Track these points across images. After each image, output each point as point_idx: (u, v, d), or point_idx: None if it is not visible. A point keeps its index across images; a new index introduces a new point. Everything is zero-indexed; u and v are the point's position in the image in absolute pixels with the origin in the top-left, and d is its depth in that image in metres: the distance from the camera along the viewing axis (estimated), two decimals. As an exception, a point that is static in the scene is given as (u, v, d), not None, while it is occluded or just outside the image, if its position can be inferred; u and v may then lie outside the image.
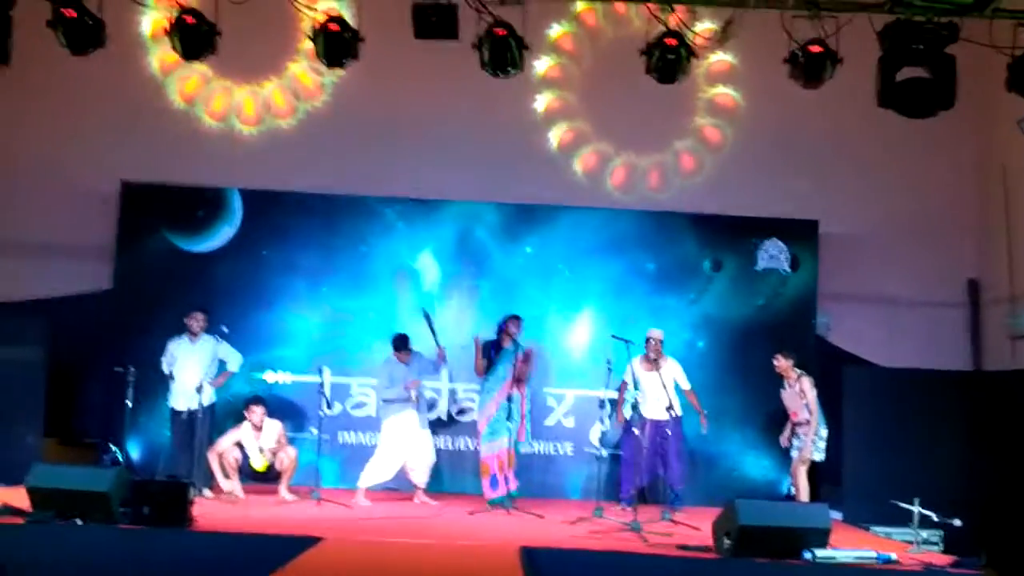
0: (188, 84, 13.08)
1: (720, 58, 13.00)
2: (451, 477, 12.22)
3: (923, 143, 12.40)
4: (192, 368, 10.86)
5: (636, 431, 10.71)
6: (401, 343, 11.09)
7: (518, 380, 10.84)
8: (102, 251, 12.50)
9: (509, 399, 10.65)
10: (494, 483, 10.77)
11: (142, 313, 12.08)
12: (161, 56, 12.85)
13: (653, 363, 10.89)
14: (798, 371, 10.79)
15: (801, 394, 10.64)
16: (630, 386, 10.91)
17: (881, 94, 9.17)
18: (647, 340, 10.97)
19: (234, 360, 11.22)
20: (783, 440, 10.95)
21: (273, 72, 13.12)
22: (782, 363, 10.87)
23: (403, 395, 10.82)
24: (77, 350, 12.16)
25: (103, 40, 9.32)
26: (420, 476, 10.97)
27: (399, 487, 11.41)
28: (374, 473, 10.82)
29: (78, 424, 12.32)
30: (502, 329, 11.03)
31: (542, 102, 13.21)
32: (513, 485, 10.80)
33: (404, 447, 10.83)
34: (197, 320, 11.09)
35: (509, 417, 10.63)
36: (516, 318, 11.10)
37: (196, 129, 13.04)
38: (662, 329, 11.22)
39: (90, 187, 12.61)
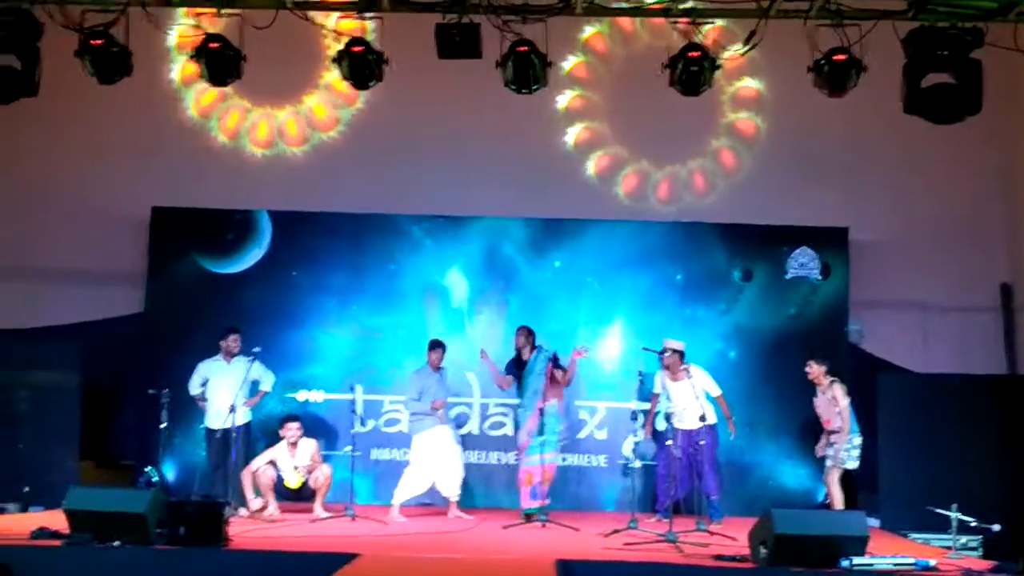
0: (231, 120, 13.26)
1: (748, 82, 13.06)
2: (484, 492, 12.23)
3: (950, 148, 12.36)
4: (226, 388, 10.90)
5: (669, 442, 10.69)
6: (436, 344, 11.11)
7: (553, 388, 10.83)
8: (134, 276, 12.62)
9: (542, 412, 10.61)
10: (534, 494, 10.73)
11: (174, 335, 12.20)
12: (199, 99, 13.05)
13: (674, 372, 10.85)
14: (830, 378, 10.74)
15: (833, 401, 10.59)
16: (662, 397, 10.90)
17: (907, 101, 9.15)
18: (662, 351, 10.93)
19: (268, 380, 11.28)
20: (819, 450, 10.89)
21: (307, 90, 13.22)
22: (814, 370, 10.82)
23: (428, 411, 10.85)
24: (111, 373, 12.30)
25: (130, 68, 9.43)
26: (452, 490, 10.97)
27: (433, 502, 11.44)
28: (407, 488, 10.85)
29: (114, 446, 12.44)
30: (516, 345, 11.12)
31: (566, 106, 13.26)
32: (539, 502, 10.72)
33: (435, 462, 10.84)
34: (233, 341, 11.15)
35: (541, 432, 10.62)
36: (520, 329, 11.18)
37: (225, 153, 13.16)
38: (685, 341, 11.15)
39: (120, 213, 12.75)
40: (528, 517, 10.53)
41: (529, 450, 10.83)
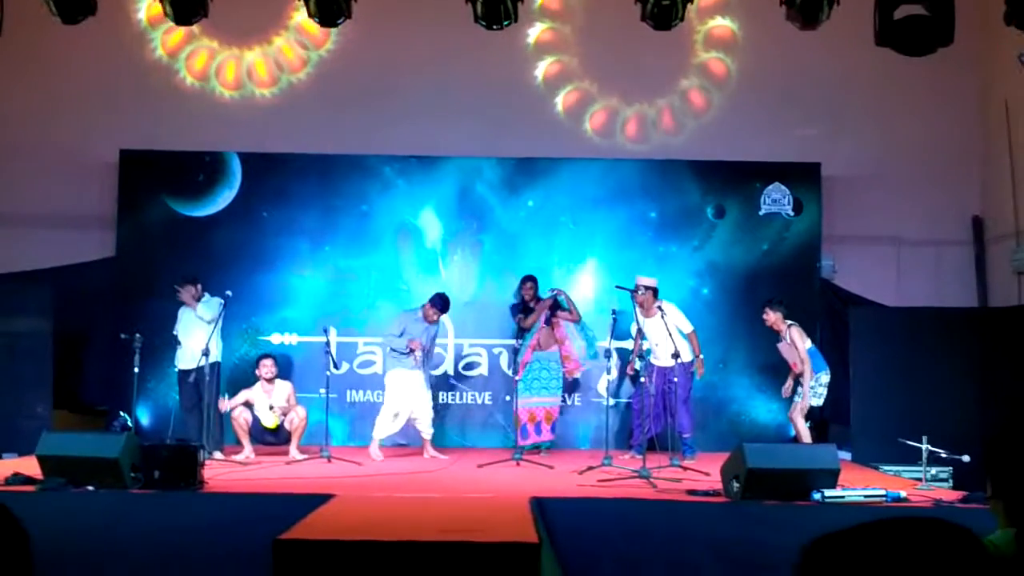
0: (199, 61, 13.02)
1: (720, 21, 12.98)
2: (458, 432, 12.28)
3: (924, 82, 12.33)
4: (196, 330, 10.84)
5: (644, 379, 10.74)
6: (443, 304, 11.04)
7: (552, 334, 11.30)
8: (104, 220, 12.52)
9: (535, 357, 11.19)
10: (524, 432, 11.13)
11: (145, 279, 12.12)
12: (167, 38, 12.85)
13: (647, 310, 10.87)
14: (788, 322, 10.78)
15: (793, 345, 10.67)
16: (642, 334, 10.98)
17: (879, 33, 9.09)
18: (635, 288, 10.94)
19: (210, 315, 10.85)
20: (785, 391, 11.00)
21: (276, 29, 13.05)
22: (771, 316, 10.87)
23: (403, 349, 10.84)
24: (82, 318, 12.24)
25: (94, 7, 9.22)
26: (426, 428, 11.01)
27: (408, 442, 11.50)
28: (384, 426, 10.92)
29: (86, 392, 12.39)
30: (523, 297, 11.51)
31: (536, 39, 13.12)
32: (546, 437, 11.24)
33: (408, 399, 10.88)
34: (187, 292, 10.99)
35: (536, 375, 11.24)
36: (527, 280, 11.48)
37: (193, 94, 13.00)
38: (658, 278, 11.23)
39: (89, 156, 12.60)
40: (522, 452, 10.65)
41: (519, 391, 11.05)
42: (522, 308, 11.50)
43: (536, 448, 11.13)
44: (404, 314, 11.20)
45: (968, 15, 9.32)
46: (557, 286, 11.74)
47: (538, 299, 11.48)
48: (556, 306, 11.42)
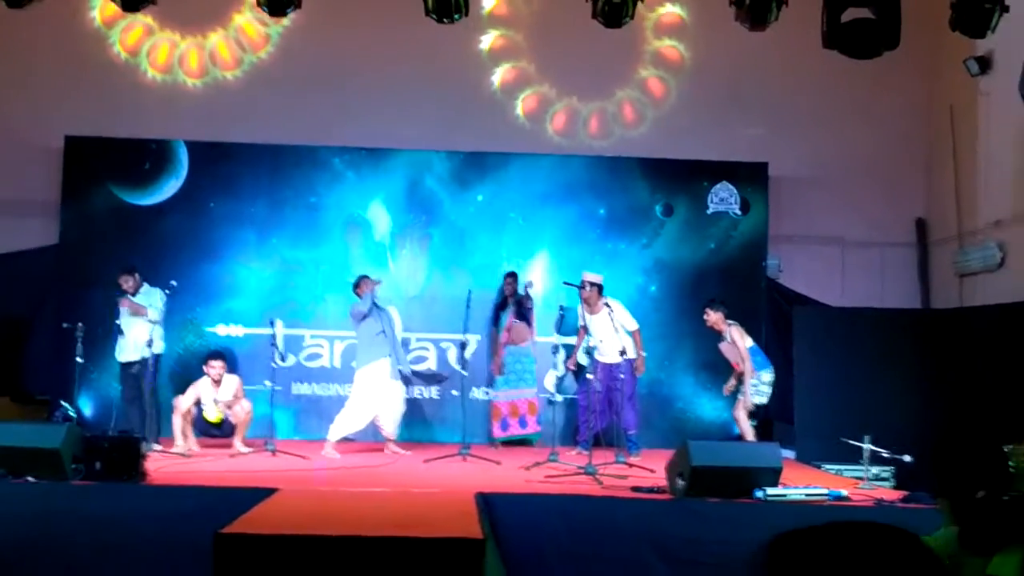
0: (132, 36, 12.87)
1: (669, 8, 13.03)
2: (406, 426, 12.21)
3: (871, 85, 12.47)
4: (137, 322, 10.73)
5: (591, 375, 10.78)
6: (363, 278, 11.05)
7: (525, 328, 11.66)
8: (47, 207, 12.33)
9: (522, 353, 11.62)
10: (504, 425, 11.54)
11: (89, 268, 11.96)
12: (103, 8, 12.64)
13: (592, 306, 10.89)
14: (729, 322, 10.86)
15: (734, 344, 10.76)
16: (587, 331, 11.01)
17: (827, 35, 9.16)
18: (581, 284, 10.96)
19: (155, 312, 10.80)
20: (727, 389, 11.09)
21: (218, 23, 12.95)
22: (712, 317, 10.94)
23: (374, 336, 10.73)
24: (24, 307, 12.10)
25: (41, -8, 9.10)
26: (390, 427, 10.93)
27: (354, 436, 11.46)
28: (345, 424, 10.74)
29: (28, 381, 12.21)
30: (505, 292, 11.83)
31: (489, 47, 13.12)
32: (532, 429, 11.61)
33: (376, 399, 10.76)
34: (126, 282, 10.88)
35: (511, 369, 11.64)
36: (508, 276, 11.84)
37: (140, 82, 12.87)
38: (606, 275, 11.27)
39: (33, 142, 12.42)
40: (499, 445, 10.83)
41: (495, 385, 11.56)
42: (501, 303, 11.80)
43: (526, 441, 11.48)
44: (356, 305, 10.99)
45: (915, 19, 9.41)
46: (503, 279, 11.88)
47: (516, 294, 11.71)
48: (520, 310, 11.58)
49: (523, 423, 11.63)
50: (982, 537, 2.55)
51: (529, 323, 11.76)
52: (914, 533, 1.68)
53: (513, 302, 11.71)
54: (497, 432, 11.61)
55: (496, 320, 11.88)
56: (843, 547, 1.61)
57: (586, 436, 10.73)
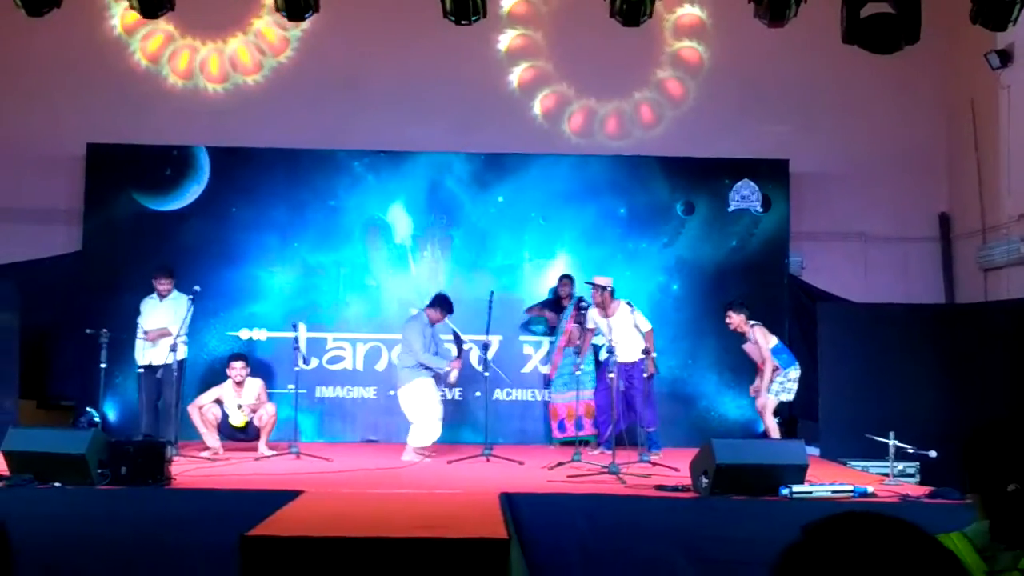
0: (153, 44, 12.94)
1: (688, 9, 13.03)
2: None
3: (892, 80, 12.42)
4: (157, 326, 10.78)
5: (612, 375, 10.76)
6: (448, 306, 10.87)
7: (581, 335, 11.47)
8: (70, 214, 12.42)
9: (577, 355, 11.51)
10: (561, 427, 11.65)
11: (112, 274, 12.04)
12: (124, 16, 12.72)
13: (606, 308, 10.85)
14: (751, 322, 10.79)
15: (757, 344, 10.71)
16: (597, 332, 11.00)
17: (846, 31, 9.14)
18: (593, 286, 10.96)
19: (181, 327, 10.76)
20: (753, 390, 10.98)
21: (238, 28, 13.00)
22: (735, 319, 10.84)
23: (438, 365, 10.65)
24: (49, 314, 12.15)
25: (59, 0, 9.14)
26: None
27: (379, 438, 11.51)
28: (425, 434, 10.64)
29: (53, 387, 12.30)
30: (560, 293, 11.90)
31: (507, 47, 13.13)
32: (588, 431, 11.52)
33: (438, 403, 10.71)
34: (162, 284, 10.97)
35: (569, 370, 11.55)
36: (564, 279, 11.88)
37: (161, 88, 12.94)
38: (628, 274, 11.37)
39: (56, 151, 12.50)
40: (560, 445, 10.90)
41: (554, 387, 11.68)
42: (555, 305, 11.88)
43: (583, 442, 11.32)
44: (413, 324, 10.80)
45: (934, 13, 9.36)
46: (525, 280, 11.88)
47: (571, 297, 11.70)
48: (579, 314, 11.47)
49: (579, 425, 11.59)
50: (1014, 530, 2.55)
51: (584, 326, 11.58)
52: (915, 526, 1.66)
53: (571, 305, 11.57)
54: (556, 434, 11.72)
55: (546, 322, 12.08)
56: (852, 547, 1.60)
57: (608, 436, 10.70)
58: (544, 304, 12.19)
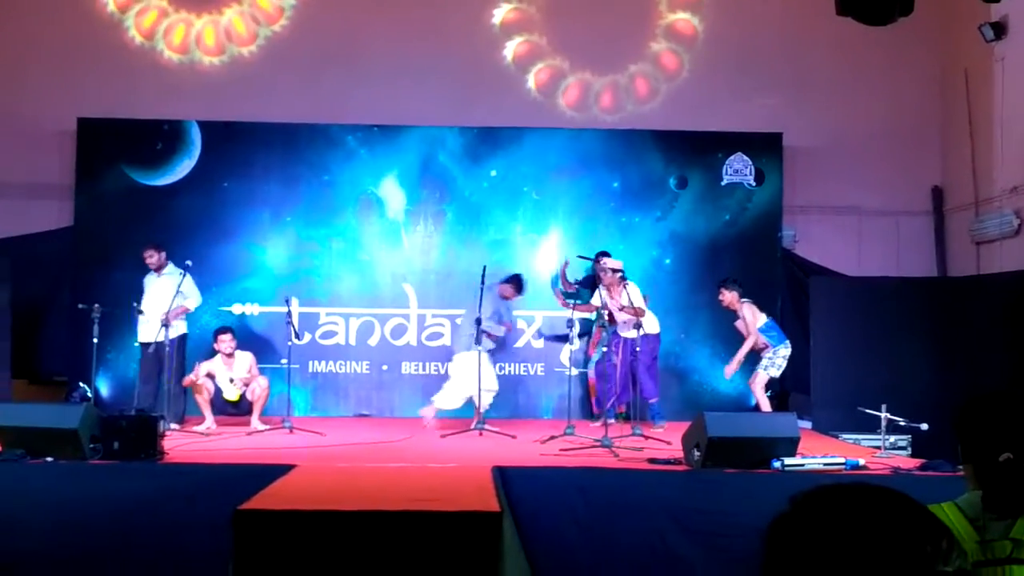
0: (147, 20, 12.86)
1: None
2: (422, 402, 12.22)
3: (885, 52, 12.38)
4: (157, 301, 10.76)
5: (612, 348, 10.78)
6: (520, 287, 11.05)
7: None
8: (61, 189, 12.37)
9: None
10: (599, 402, 11.40)
11: (103, 249, 12.02)
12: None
13: (613, 290, 10.82)
14: (744, 300, 10.78)
15: (745, 321, 10.72)
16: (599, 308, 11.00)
17: (840, 2, 9.07)
18: (603, 269, 10.93)
19: (192, 298, 10.92)
20: (727, 372, 10.98)
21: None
22: (727, 296, 10.84)
23: (499, 334, 10.81)
24: (40, 289, 12.14)
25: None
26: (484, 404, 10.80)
27: (372, 413, 11.52)
28: (448, 398, 10.79)
29: (45, 363, 12.27)
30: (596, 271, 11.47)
31: (501, 20, 13.07)
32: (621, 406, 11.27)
33: (473, 380, 10.59)
34: (150, 257, 10.94)
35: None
36: (600, 254, 11.44)
37: (153, 63, 12.85)
38: (621, 247, 11.30)
39: (47, 125, 12.44)
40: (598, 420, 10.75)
41: (589, 364, 11.67)
42: (592, 283, 11.56)
43: (616, 417, 11.17)
44: (492, 298, 10.79)
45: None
46: (518, 254, 11.78)
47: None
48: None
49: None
50: (1007, 500, 2.55)
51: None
52: (905, 494, 1.66)
53: (605, 283, 11.26)
54: (596, 409, 11.57)
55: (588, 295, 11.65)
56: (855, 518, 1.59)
57: (610, 403, 10.75)
58: (582, 282, 12.01)
